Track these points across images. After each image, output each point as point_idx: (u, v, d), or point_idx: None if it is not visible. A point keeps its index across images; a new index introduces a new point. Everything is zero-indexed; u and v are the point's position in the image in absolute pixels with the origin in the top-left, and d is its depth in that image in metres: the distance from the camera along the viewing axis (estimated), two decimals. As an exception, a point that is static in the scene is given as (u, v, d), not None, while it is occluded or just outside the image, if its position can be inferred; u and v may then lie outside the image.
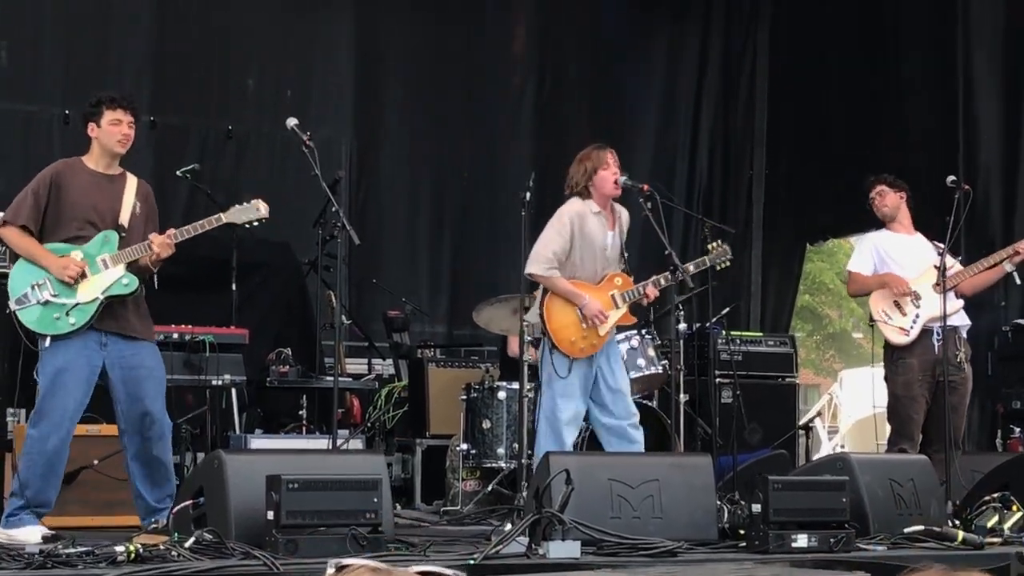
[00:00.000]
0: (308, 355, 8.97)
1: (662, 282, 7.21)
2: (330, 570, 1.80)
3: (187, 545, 5.24)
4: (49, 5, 9.82)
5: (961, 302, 7.93)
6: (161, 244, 6.30)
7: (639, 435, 7.14)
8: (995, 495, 6.84)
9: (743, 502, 6.59)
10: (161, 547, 5.28)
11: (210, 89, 10.40)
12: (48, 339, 6.22)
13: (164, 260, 6.38)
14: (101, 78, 9.82)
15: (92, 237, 6.33)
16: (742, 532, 6.24)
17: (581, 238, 7.14)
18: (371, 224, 10.56)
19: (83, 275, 6.24)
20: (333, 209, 7.11)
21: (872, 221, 8.34)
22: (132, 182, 6.51)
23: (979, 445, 9.49)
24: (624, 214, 7.30)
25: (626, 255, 7.24)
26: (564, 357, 7.07)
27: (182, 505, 5.76)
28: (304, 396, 8.64)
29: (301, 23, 10.73)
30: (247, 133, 10.42)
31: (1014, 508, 6.68)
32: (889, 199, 8.17)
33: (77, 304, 6.23)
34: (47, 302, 6.22)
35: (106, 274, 6.28)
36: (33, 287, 6.24)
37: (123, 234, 6.37)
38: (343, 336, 8.86)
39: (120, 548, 5.14)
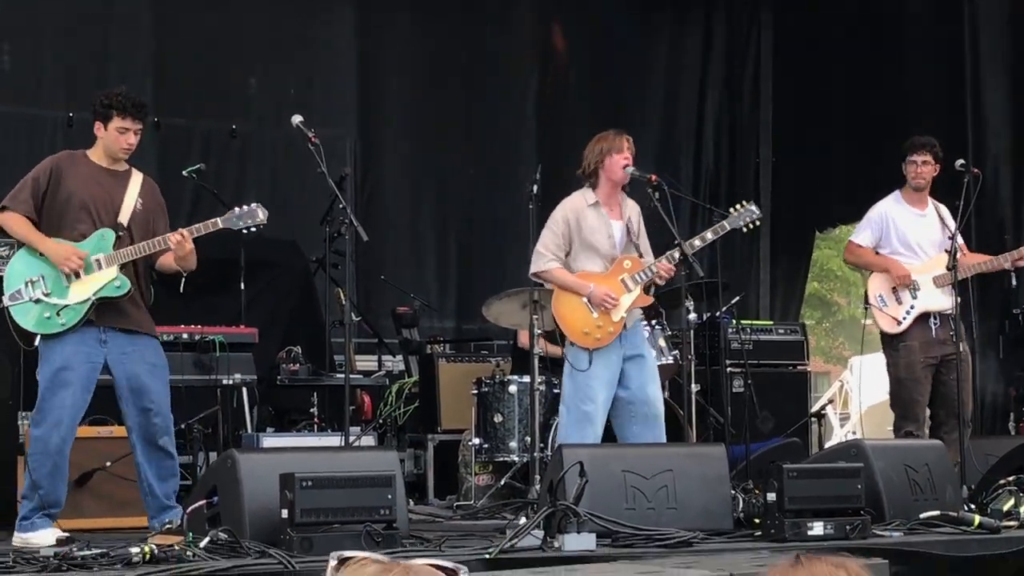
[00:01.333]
0: (318, 353, 8.95)
1: (676, 256, 7.06)
2: (332, 562, 1.76)
3: (202, 545, 5.23)
4: (50, 8, 9.79)
5: (957, 299, 7.79)
6: (178, 243, 6.24)
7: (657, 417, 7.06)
8: (1010, 478, 6.82)
9: (757, 491, 6.57)
10: (176, 547, 5.27)
11: (213, 89, 10.38)
12: (39, 337, 6.21)
13: (188, 258, 6.32)
14: (104, 80, 9.80)
15: (89, 233, 6.29)
16: (757, 521, 6.23)
17: (579, 232, 7.09)
18: (378, 221, 10.54)
19: (76, 274, 6.22)
20: (340, 206, 7.08)
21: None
22: (137, 178, 6.47)
23: (992, 428, 9.46)
24: (632, 205, 7.24)
25: (638, 244, 7.15)
26: (582, 350, 7.02)
27: (196, 505, 5.74)
28: (315, 393, 8.63)
29: (302, 21, 10.70)
30: (251, 132, 10.41)
31: (1030, 491, 6.67)
32: (928, 171, 7.99)
33: (68, 304, 6.21)
34: (39, 300, 6.19)
35: (99, 275, 6.24)
36: (27, 283, 6.20)
37: (120, 233, 6.32)
38: (352, 333, 8.85)
39: (135, 549, 5.13)
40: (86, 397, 6.24)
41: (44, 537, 6.04)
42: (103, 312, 6.25)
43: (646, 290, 7.14)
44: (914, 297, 7.87)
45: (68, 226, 6.28)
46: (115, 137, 6.34)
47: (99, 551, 5.15)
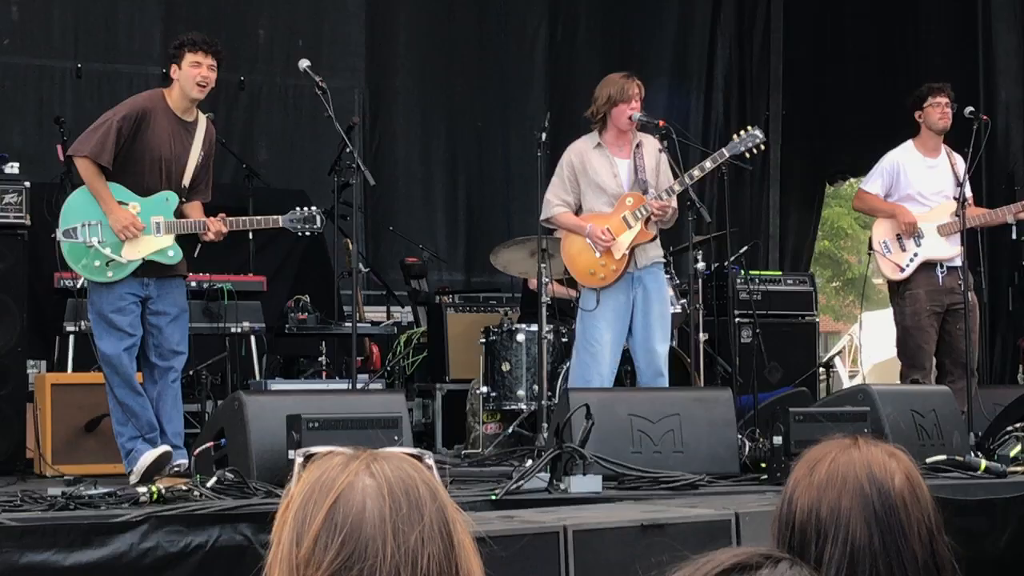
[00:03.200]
0: (326, 303, 8.95)
1: (675, 188, 7.06)
2: (299, 459, 1.73)
3: (209, 485, 5.26)
4: (59, -41, 9.78)
5: (961, 248, 7.75)
6: (217, 232, 6.43)
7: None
8: (1017, 425, 6.83)
9: (764, 439, 6.57)
10: (183, 487, 5.30)
11: (222, 40, 10.24)
12: (83, 279, 6.29)
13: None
14: (113, 32, 9.82)
15: (155, 189, 6.40)
16: (763, 465, 6.23)
17: (585, 175, 7.15)
18: (386, 172, 10.52)
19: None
20: (348, 150, 7.07)
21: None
22: (202, 125, 6.59)
23: (1000, 379, 9.45)
24: (649, 142, 7.22)
25: (647, 180, 7.12)
26: (590, 291, 7.09)
27: (204, 447, 5.77)
28: (323, 342, 8.63)
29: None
30: (260, 84, 10.38)
31: (1036, 437, 6.67)
32: (950, 112, 7.88)
33: (117, 260, 6.30)
34: (92, 247, 6.27)
35: (155, 239, 6.38)
36: (84, 225, 6.31)
37: (183, 198, 6.47)
38: (361, 284, 8.84)
39: (143, 489, 5.16)
40: (139, 334, 6.34)
41: (148, 458, 6.11)
42: (147, 266, 6.39)
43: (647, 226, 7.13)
44: (918, 245, 7.85)
45: (138, 177, 6.39)
46: (188, 73, 6.43)
47: (106, 491, 5.18)
